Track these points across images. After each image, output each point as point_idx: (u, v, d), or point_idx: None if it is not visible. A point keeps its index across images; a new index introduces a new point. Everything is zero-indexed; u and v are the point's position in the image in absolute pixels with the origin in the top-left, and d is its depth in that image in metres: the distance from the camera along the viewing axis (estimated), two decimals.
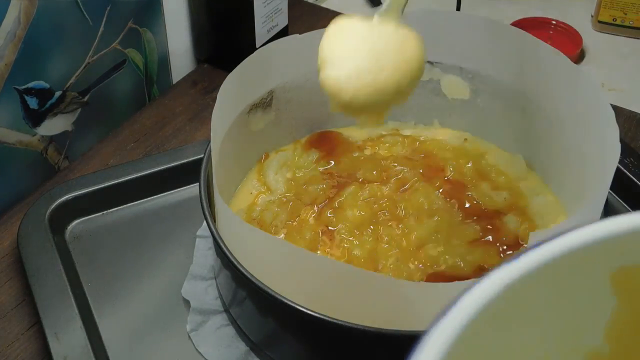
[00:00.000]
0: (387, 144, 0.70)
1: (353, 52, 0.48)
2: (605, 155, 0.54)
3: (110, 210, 0.70)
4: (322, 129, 0.71)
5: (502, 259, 0.60)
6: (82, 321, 0.59)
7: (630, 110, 0.82)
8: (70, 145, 0.77)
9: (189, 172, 0.69)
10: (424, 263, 0.59)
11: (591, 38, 0.98)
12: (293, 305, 0.49)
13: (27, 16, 0.67)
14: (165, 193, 0.72)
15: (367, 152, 0.70)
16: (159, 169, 0.71)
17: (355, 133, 0.71)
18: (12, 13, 0.65)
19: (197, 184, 0.58)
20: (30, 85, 0.70)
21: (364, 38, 0.48)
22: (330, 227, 0.61)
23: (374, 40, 0.48)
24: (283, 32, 0.89)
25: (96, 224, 0.69)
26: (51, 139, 0.75)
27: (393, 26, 0.50)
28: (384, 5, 0.51)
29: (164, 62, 0.86)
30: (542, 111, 0.64)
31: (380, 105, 0.51)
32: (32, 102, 0.71)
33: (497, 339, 0.27)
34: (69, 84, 0.74)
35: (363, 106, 0.50)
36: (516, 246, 0.61)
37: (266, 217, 0.62)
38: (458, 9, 0.95)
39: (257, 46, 0.84)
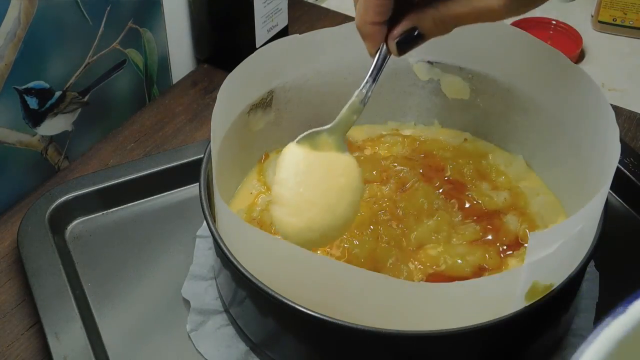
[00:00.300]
0: (387, 144, 0.70)
1: (306, 204, 0.51)
2: (605, 155, 0.54)
3: (110, 210, 0.70)
4: None
5: (502, 259, 0.60)
6: (82, 321, 0.59)
7: (630, 110, 0.82)
8: (70, 145, 0.77)
9: (189, 172, 0.69)
10: (424, 263, 0.59)
11: (591, 38, 0.98)
12: (293, 305, 0.49)
13: (27, 16, 0.67)
14: (165, 193, 0.72)
15: (367, 152, 0.70)
16: (159, 169, 0.71)
17: (355, 133, 0.71)
18: (12, 13, 0.65)
19: (197, 184, 0.58)
20: (30, 85, 0.70)
21: (318, 181, 0.52)
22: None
23: (328, 189, 0.52)
24: (283, 32, 0.89)
25: (96, 224, 0.69)
26: (51, 139, 0.75)
27: (344, 163, 0.53)
28: (334, 122, 0.54)
29: (164, 62, 0.86)
30: (542, 111, 0.64)
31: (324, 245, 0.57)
32: (32, 102, 0.71)
33: None
34: (69, 84, 0.74)
35: (308, 249, 0.53)
36: (516, 246, 0.61)
37: (266, 217, 0.62)
38: None
39: (257, 46, 0.84)
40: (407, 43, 0.50)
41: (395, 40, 0.50)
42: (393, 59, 0.68)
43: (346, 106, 0.54)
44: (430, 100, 0.72)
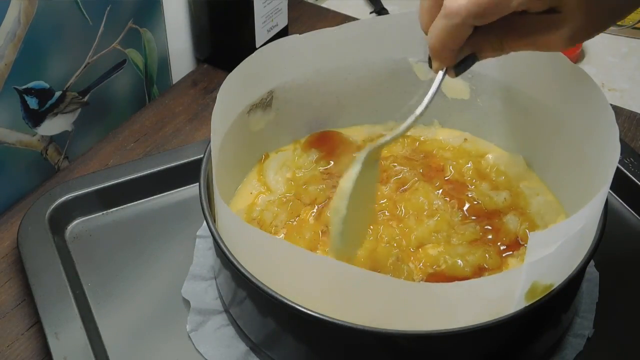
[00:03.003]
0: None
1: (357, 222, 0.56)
2: (605, 155, 0.54)
3: (110, 210, 0.70)
4: (322, 129, 0.71)
5: (502, 259, 0.60)
6: (82, 321, 0.59)
7: (630, 110, 0.82)
8: (70, 145, 0.77)
9: (189, 172, 0.69)
10: (424, 263, 0.59)
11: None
12: (293, 305, 0.49)
13: (27, 16, 0.67)
14: (165, 193, 0.72)
15: None
16: (159, 169, 0.71)
17: (355, 133, 0.71)
18: (12, 13, 0.65)
19: (197, 184, 0.58)
20: (30, 85, 0.70)
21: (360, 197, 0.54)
22: (330, 227, 0.61)
23: (366, 197, 0.56)
24: (283, 32, 0.89)
25: (96, 224, 0.69)
26: (51, 139, 0.75)
27: (374, 172, 0.57)
28: (392, 136, 0.55)
29: (164, 62, 0.86)
30: (542, 111, 0.64)
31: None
32: (32, 102, 0.71)
33: None
34: (69, 84, 0.74)
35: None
36: (516, 246, 0.61)
37: (266, 217, 0.62)
38: None
39: (257, 46, 0.84)
40: (464, 66, 0.51)
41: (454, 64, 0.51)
42: (393, 58, 0.69)
43: (405, 124, 0.54)
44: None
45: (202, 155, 0.60)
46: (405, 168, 0.66)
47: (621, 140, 0.53)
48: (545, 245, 0.46)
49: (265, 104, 0.65)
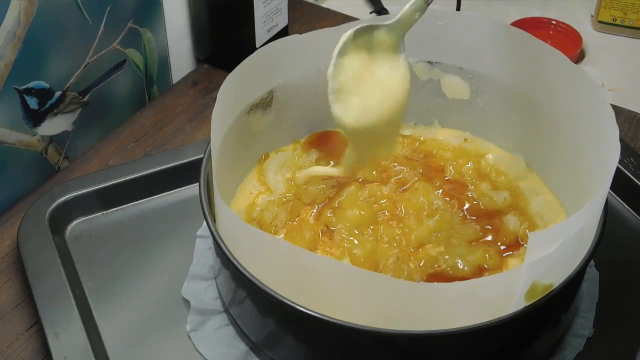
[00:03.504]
0: None
1: (362, 97, 0.55)
2: (605, 155, 0.54)
3: (110, 210, 0.70)
4: (322, 129, 0.71)
5: (502, 259, 0.60)
6: (82, 321, 0.59)
7: (630, 110, 0.82)
8: (70, 145, 0.77)
9: (189, 172, 0.69)
10: (424, 263, 0.59)
11: (591, 38, 0.98)
12: (293, 305, 0.49)
13: (27, 16, 0.67)
14: (165, 193, 0.72)
15: None
16: (159, 169, 0.71)
17: None
18: (12, 13, 0.65)
19: (197, 184, 0.58)
20: (30, 85, 0.70)
21: (371, 75, 0.54)
22: (330, 227, 0.61)
23: (381, 81, 0.55)
24: (283, 32, 0.89)
25: (96, 224, 0.69)
26: (51, 139, 0.75)
27: (395, 63, 0.55)
28: (394, 19, 0.53)
29: (164, 62, 0.86)
30: (542, 111, 0.64)
31: (375, 134, 0.60)
32: (32, 102, 0.71)
33: None
34: (69, 84, 0.74)
35: (362, 131, 0.58)
36: (516, 246, 0.61)
37: (266, 217, 0.62)
38: (458, 9, 0.95)
39: (257, 46, 0.84)
40: None
41: None
42: None
43: (409, 4, 0.52)
44: (430, 100, 0.72)
45: (202, 155, 0.60)
46: (405, 168, 0.66)
47: (621, 140, 0.53)
48: (545, 245, 0.46)
49: (265, 104, 0.65)
